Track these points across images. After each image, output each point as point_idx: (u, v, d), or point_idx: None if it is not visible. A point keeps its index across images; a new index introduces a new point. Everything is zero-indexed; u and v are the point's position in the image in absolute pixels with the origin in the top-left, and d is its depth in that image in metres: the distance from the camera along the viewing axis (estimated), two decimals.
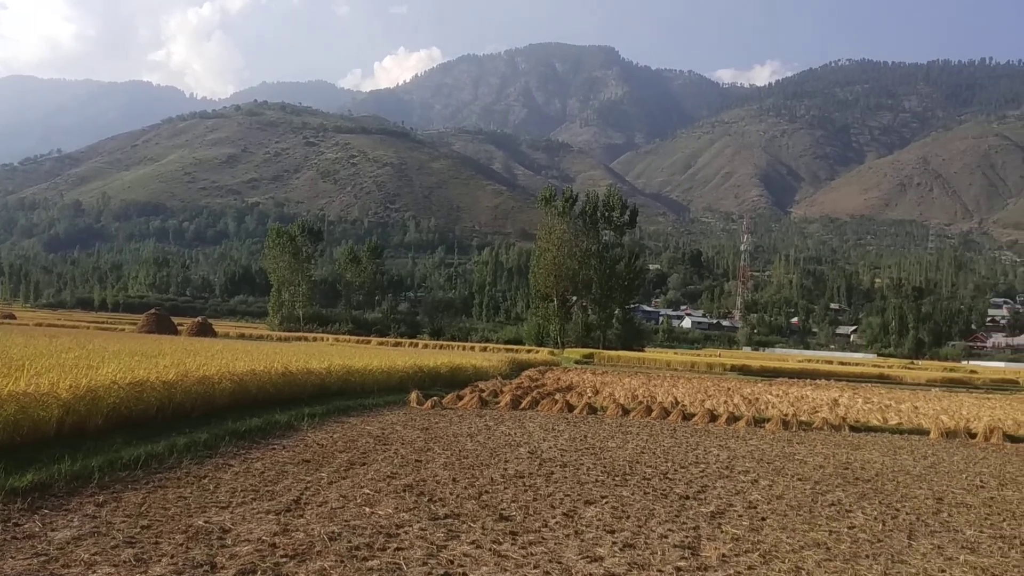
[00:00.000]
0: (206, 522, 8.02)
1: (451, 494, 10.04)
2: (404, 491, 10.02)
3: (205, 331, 65.79)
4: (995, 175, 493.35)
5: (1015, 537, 9.58)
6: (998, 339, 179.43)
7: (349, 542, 7.54)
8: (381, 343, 70.91)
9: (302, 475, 10.74)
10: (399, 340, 79.19)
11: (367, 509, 8.93)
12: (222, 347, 30.70)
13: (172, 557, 6.85)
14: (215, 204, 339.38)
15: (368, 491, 9.88)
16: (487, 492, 10.28)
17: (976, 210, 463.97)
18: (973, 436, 21.31)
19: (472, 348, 68.40)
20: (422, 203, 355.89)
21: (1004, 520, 10.58)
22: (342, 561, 6.97)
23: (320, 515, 8.54)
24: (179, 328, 67.37)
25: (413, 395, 21.81)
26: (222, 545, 7.27)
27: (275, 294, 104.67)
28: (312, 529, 7.93)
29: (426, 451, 13.37)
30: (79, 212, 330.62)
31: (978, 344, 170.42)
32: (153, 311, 71.87)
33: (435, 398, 21.67)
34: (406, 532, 8.05)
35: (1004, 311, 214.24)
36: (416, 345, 70.23)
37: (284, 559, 6.95)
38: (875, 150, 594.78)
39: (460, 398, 22.45)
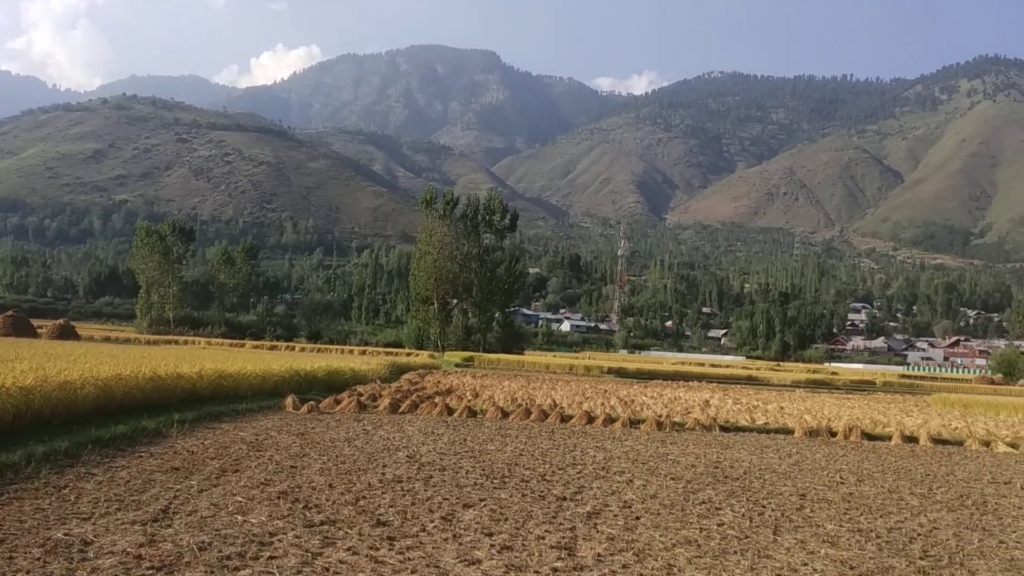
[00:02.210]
0: (66, 534, 7.62)
1: (327, 500, 9.85)
2: (278, 498, 9.78)
3: (67, 334, 62.79)
4: (855, 186, 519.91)
5: (871, 530, 10.06)
6: (857, 342, 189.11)
7: (220, 552, 7.29)
8: (256, 346, 69.18)
9: (170, 483, 10.34)
10: (275, 343, 77.41)
11: (239, 517, 8.66)
12: (85, 351, 29.34)
13: (28, 573, 6.48)
14: (79, 201, 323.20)
15: (240, 499, 9.59)
16: (364, 497, 10.14)
17: (838, 219, 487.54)
18: (834, 435, 22.33)
19: (351, 351, 67.48)
20: (300, 203, 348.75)
21: (861, 514, 11.10)
22: (212, 572, 6.73)
23: (189, 524, 8.24)
24: (39, 331, 64.15)
25: (289, 400, 21.35)
26: (83, 558, 6.91)
27: (144, 296, 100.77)
28: (180, 539, 7.64)
29: (302, 457, 13.09)
30: None
31: (839, 347, 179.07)
32: (10, 313, 67.78)
33: (312, 402, 21.25)
34: (280, 540, 7.84)
35: (863, 315, 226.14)
36: (293, 348, 68.80)
37: (150, 571, 6.67)
38: (745, 160, 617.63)
39: (338, 402, 22.11)
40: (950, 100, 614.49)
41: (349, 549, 7.68)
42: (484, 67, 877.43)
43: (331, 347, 75.64)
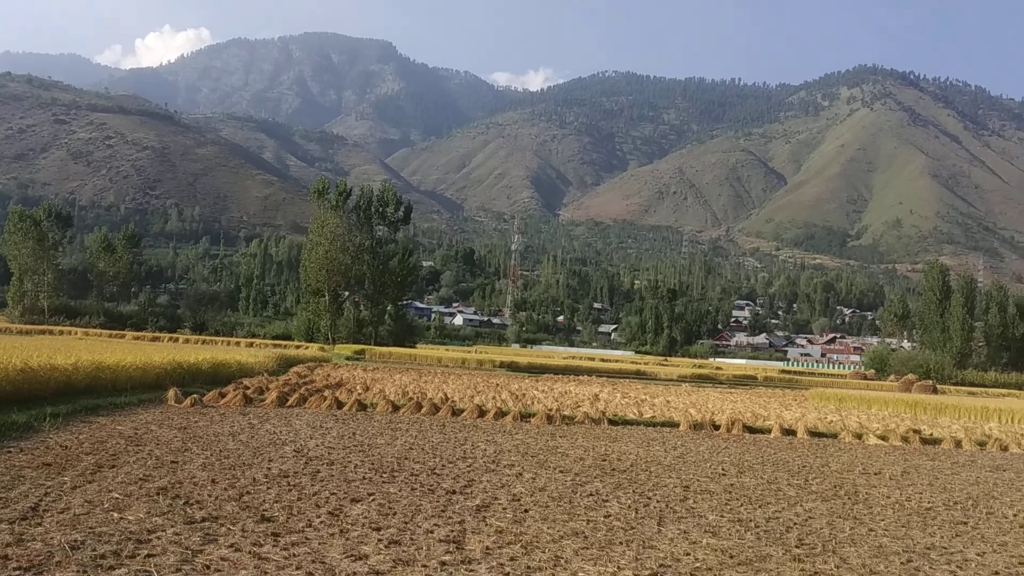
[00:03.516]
0: None
1: (209, 496, 9.57)
2: (157, 494, 9.44)
3: None
4: (741, 187, 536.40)
5: (750, 520, 10.38)
6: (741, 338, 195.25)
7: (94, 550, 6.99)
8: (137, 338, 66.84)
9: (42, 480, 9.86)
10: (157, 335, 74.95)
11: (115, 514, 8.32)
12: None
13: None
14: None
15: (117, 495, 9.22)
16: (249, 493, 9.89)
17: (724, 219, 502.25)
18: (717, 428, 22.98)
19: (238, 343, 65.96)
20: (186, 190, 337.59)
21: (742, 505, 11.45)
22: (85, 571, 6.44)
23: (61, 523, 7.86)
24: None
25: (171, 393, 20.66)
26: None
27: (16, 283, 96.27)
28: (51, 538, 7.28)
29: (183, 451, 12.69)
30: None
31: (724, 343, 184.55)
32: None
33: (195, 396, 20.63)
34: (158, 538, 7.57)
35: (746, 312, 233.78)
36: (176, 340, 66.68)
37: (18, 572, 6.33)
38: (637, 159, 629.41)
39: (223, 396, 21.53)
40: (831, 106, 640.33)
41: (231, 546, 7.47)
42: (380, 57, 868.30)
43: (217, 339, 73.78)
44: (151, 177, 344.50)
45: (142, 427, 15.28)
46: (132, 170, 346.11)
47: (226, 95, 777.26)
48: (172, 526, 8.02)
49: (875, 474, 15.84)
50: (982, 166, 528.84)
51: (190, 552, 7.16)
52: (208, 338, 75.08)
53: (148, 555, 6.99)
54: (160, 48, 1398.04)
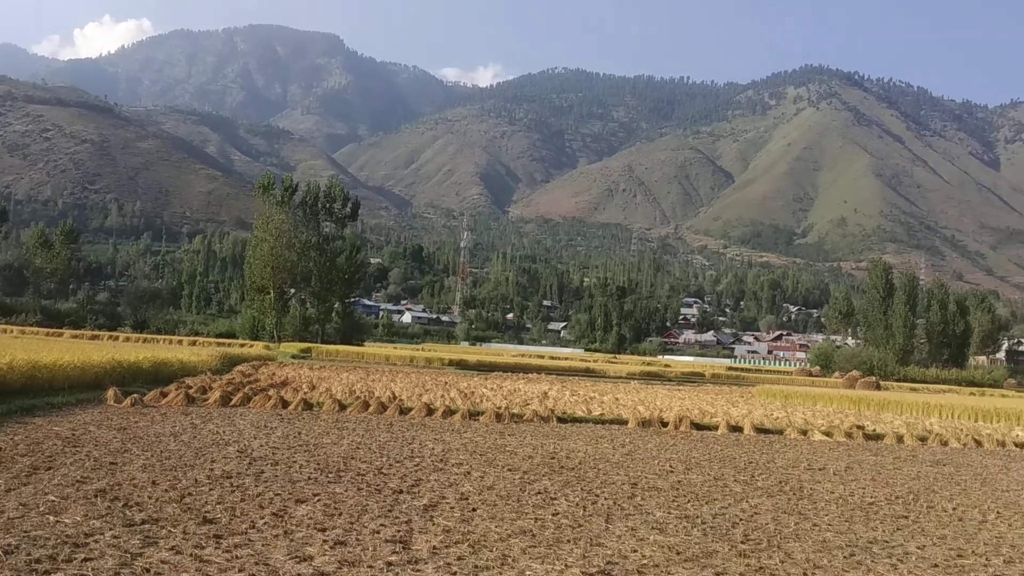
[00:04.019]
0: None
1: (150, 498, 9.34)
2: (95, 496, 9.19)
3: None
4: (689, 185, 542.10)
5: (697, 516, 10.45)
6: (689, 335, 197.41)
7: (29, 555, 6.76)
8: (75, 336, 65.51)
9: None
10: (97, 333, 73.37)
11: (51, 518, 8.08)
12: None
13: None
14: None
15: (53, 498, 8.96)
16: (190, 494, 9.69)
17: (673, 217, 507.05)
18: (665, 425, 23.13)
19: (180, 342, 64.87)
20: (127, 185, 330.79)
21: (688, 501, 11.52)
22: None
23: None
24: None
25: (111, 392, 20.20)
26: None
27: None
28: None
29: (123, 452, 12.40)
30: None
31: (672, 340, 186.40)
32: None
33: (136, 395, 20.19)
34: (96, 541, 7.35)
35: (694, 310, 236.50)
36: (116, 339, 65.38)
37: None
38: (586, 156, 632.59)
39: (164, 395, 21.12)
40: (778, 106, 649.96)
41: (172, 548, 7.30)
42: (326, 51, 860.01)
43: (158, 337, 72.51)
44: (90, 171, 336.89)
45: (80, 428, 14.91)
46: (70, 164, 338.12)
47: (168, 87, 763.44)
48: (110, 529, 7.81)
49: (819, 470, 16.06)
50: (924, 166, 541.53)
51: (129, 555, 6.98)
52: (149, 336, 73.76)
53: (85, 559, 6.80)
54: (100, 39, 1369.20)
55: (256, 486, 10.49)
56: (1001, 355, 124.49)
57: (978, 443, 23.96)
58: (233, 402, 21.25)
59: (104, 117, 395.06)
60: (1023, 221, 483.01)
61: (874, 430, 24.94)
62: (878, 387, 63.72)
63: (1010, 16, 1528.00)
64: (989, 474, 17.23)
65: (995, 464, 19.22)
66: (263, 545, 7.63)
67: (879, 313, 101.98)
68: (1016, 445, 24.19)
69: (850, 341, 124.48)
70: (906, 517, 11.43)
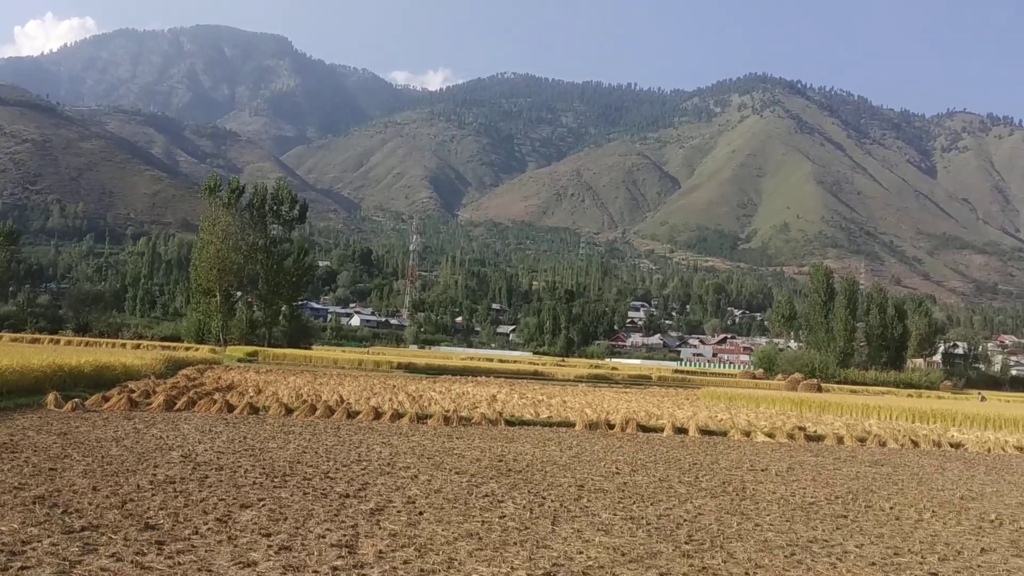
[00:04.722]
0: None
1: (90, 504, 9.20)
2: (34, 503, 9.03)
3: None
4: (636, 190, 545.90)
5: (642, 517, 10.58)
6: (636, 339, 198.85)
7: None
8: (15, 339, 63.98)
9: None
10: (37, 336, 71.95)
11: None
12: None
13: None
14: None
15: None
16: (132, 500, 9.55)
17: (620, 221, 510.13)
18: (612, 427, 23.33)
19: (123, 345, 63.80)
20: (69, 186, 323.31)
21: (634, 503, 11.65)
22: None
23: None
24: None
25: (51, 397, 19.80)
26: None
27: None
28: None
29: (63, 458, 12.17)
30: None
31: (619, 343, 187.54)
32: None
33: (77, 400, 19.83)
34: (34, 549, 7.23)
35: (641, 314, 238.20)
36: (58, 342, 64.05)
37: None
38: (535, 161, 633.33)
39: (106, 399, 20.77)
40: (723, 113, 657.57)
41: (113, 555, 7.20)
42: (275, 52, 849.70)
43: (101, 341, 71.24)
44: (31, 171, 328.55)
45: (18, 433, 14.60)
46: (10, 164, 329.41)
47: (112, 87, 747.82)
48: (49, 536, 7.69)
49: (762, 470, 16.34)
50: (864, 173, 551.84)
51: (68, 563, 6.88)
52: (92, 340, 72.42)
53: (22, 567, 6.69)
54: (41, 37, 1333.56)
55: (200, 491, 10.38)
56: (937, 358, 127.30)
57: (915, 444, 24.56)
58: (177, 406, 20.97)
59: (46, 117, 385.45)
60: (958, 227, 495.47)
61: (815, 431, 25.41)
62: (819, 389, 64.95)
63: (947, 29, 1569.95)
64: (925, 474, 17.68)
65: (931, 464, 19.73)
66: (206, 551, 7.57)
67: (820, 317, 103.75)
68: (951, 445, 24.85)
69: (792, 344, 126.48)
70: (845, 516, 11.69)
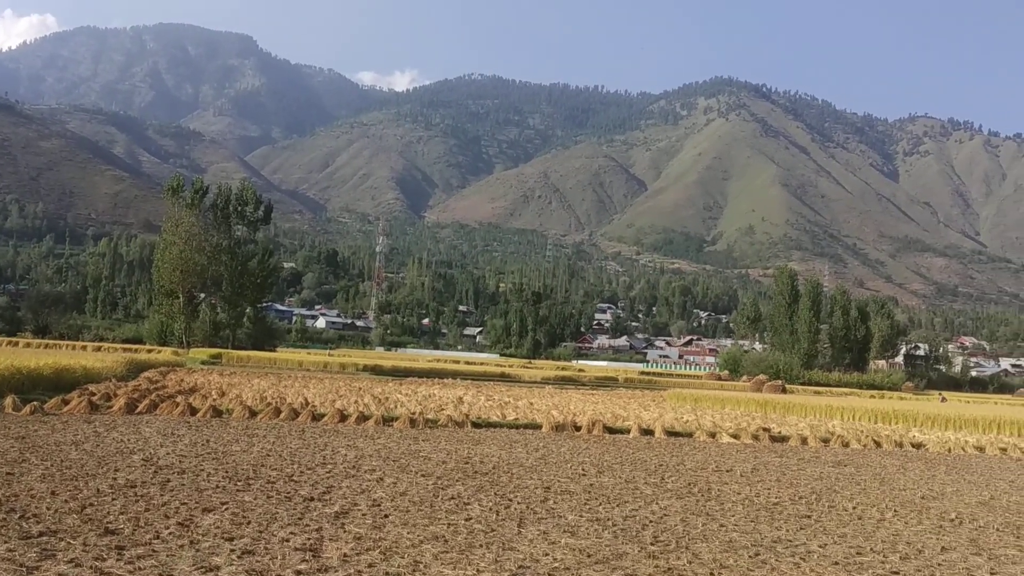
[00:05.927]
0: None
1: (48, 509, 9.04)
2: None
3: None
4: (603, 192, 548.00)
5: (608, 519, 10.59)
6: (603, 340, 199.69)
7: None
8: None
9: None
10: None
11: None
12: None
13: None
14: None
15: None
16: (92, 505, 9.40)
17: (587, 223, 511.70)
18: (579, 429, 23.36)
19: (84, 348, 62.88)
20: (28, 185, 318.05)
21: (600, 504, 11.66)
22: None
23: None
24: None
25: (9, 400, 19.46)
26: None
27: None
28: None
29: (21, 462, 11.96)
30: None
31: (586, 345, 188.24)
32: None
33: (36, 403, 19.48)
34: None
35: (608, 316, 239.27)
36: (16, 344, 62.95)
37: None
38: (503, 162, 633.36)
39: (66, 402, 20.44)
40: (689, 116, 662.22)
41: (71, 561, 7.08)
42: (240, 51, 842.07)
43: (61, 343, 70.19)
44: None
45: None
46: None
47: (73, 86, 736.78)
48: (5, 542, 7.55)
49: (727, 471, 16.44)
50: (828, 176, 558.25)
51: (25, 569, 6.76)
52: (52, 342, 71.28)
53: None
54: (0, 34, 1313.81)
55: (161, 495, 10.24)
56: (899, 359, 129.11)
57: (877, 444, 24.86)
58: (139, 409, 20.69)
59: (4, 115, 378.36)
60: (920, 231, 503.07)
61: (779, 432, 25.63)
62: (784, 390, 65.59)
63: (909, 35, 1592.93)
64: (887, 474, 17.89)
65: (893, 464, 19.97)
66: (167, 556, 7.46)
67: (785, 319, 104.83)
68: (913, 446, 25.17)
69: (757, 346, 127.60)
70: (809, 517, 11.79)
